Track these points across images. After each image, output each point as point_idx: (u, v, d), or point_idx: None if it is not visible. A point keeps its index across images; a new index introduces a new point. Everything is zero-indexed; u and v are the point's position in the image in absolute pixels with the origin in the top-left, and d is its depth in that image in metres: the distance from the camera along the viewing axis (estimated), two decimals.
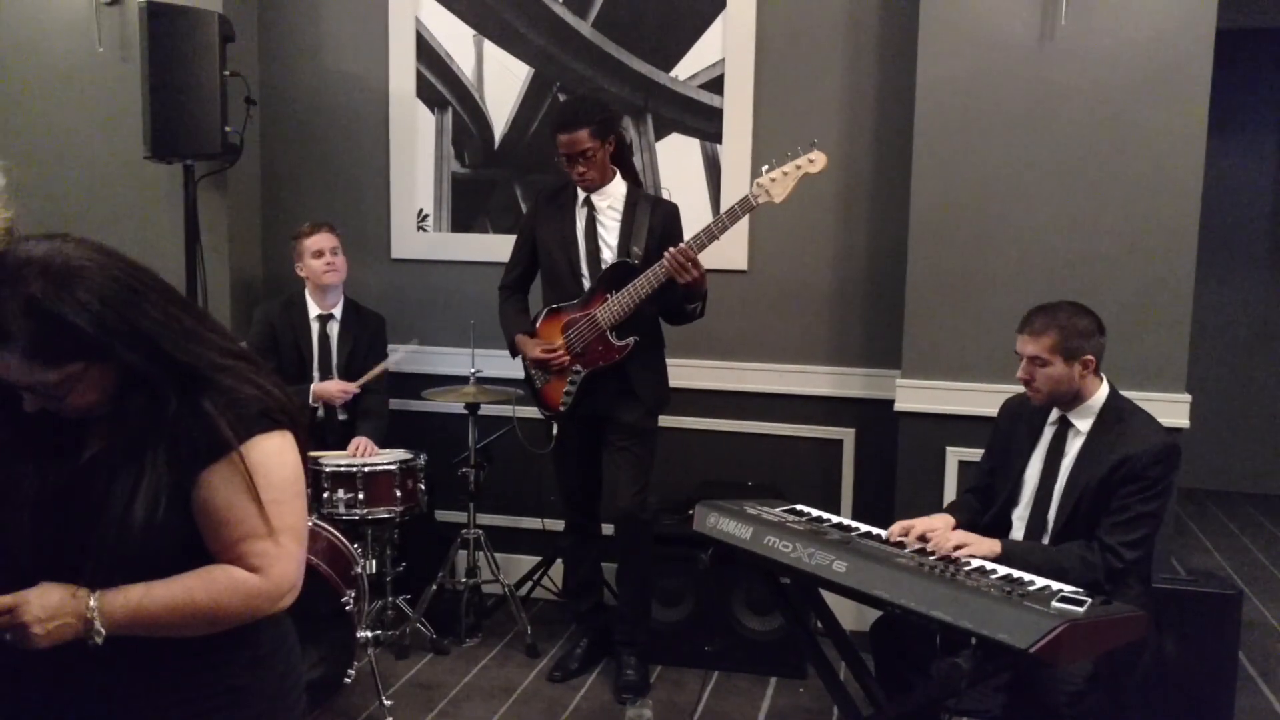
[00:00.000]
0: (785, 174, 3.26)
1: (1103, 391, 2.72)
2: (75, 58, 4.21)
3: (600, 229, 3.46)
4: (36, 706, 1.56)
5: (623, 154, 3.52)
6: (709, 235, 3.25)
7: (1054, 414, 2.77)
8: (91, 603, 1.44)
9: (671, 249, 3.23)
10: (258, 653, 1.62)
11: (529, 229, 3.61)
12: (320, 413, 3.85)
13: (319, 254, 3.85)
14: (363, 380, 3.85)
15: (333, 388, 3.84)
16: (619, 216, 3.45)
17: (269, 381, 1.58)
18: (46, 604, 1.43)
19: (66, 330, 1.41)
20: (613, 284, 3.38)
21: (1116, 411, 2.70)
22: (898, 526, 2.66)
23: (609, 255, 3.44)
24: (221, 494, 1.49)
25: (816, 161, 3.27)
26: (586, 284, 3.45)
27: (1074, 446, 2.72)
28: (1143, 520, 2.59)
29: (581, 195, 3.48)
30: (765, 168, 3.29)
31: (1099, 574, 2.54)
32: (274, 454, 1.54)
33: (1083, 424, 2.71)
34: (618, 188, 3.48)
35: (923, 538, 2.61)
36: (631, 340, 3.39)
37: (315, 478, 3.52)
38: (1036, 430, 2.81)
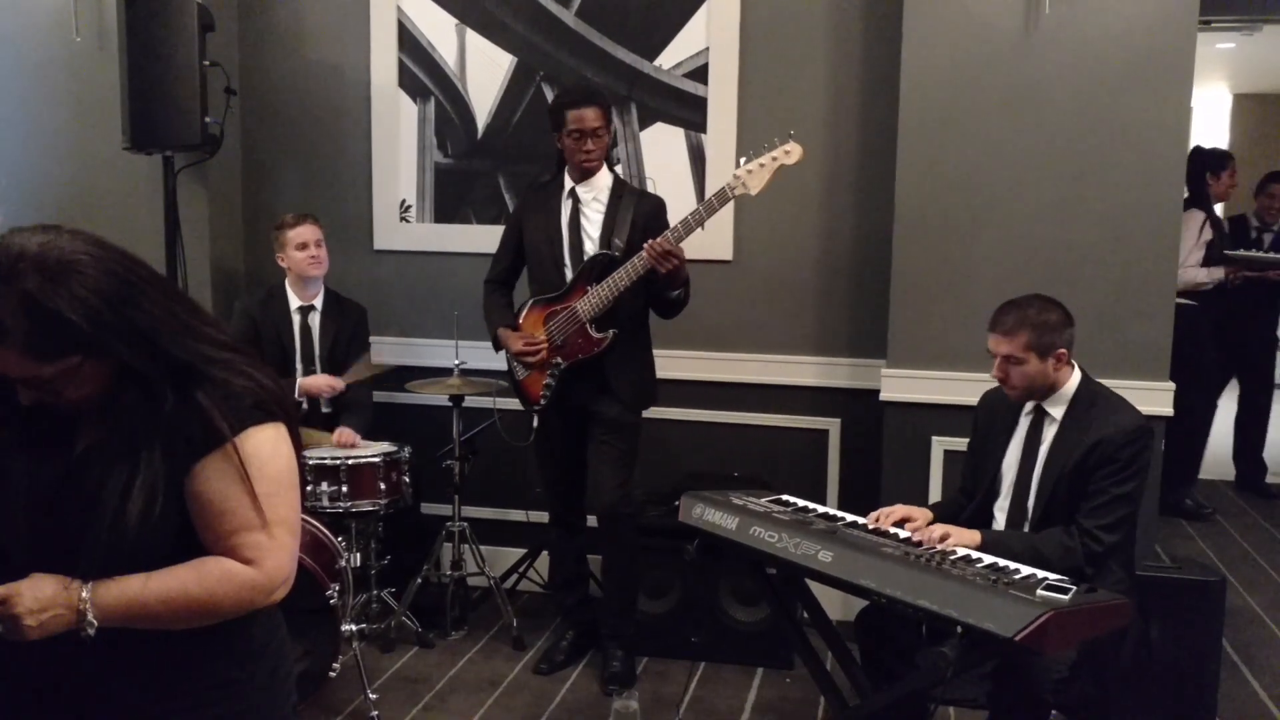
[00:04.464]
0: (762, 165, 3.26)
1: (1075, 378, 2.75)
2: (52, 47, 4.15)
3: (584, 221, 3.45)
4: (28, 699, 1.56)
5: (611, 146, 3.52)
6: (686, 228, 3.25)
7: (1029, 404, 2.79)
8: (84, 594, 1.44)
9: (650, 242, 3.23)
10: (250, 646, 1.62)
11: (516, 221, 3.61)
12: (304, 405, 3.84)
13: (303, 245, 3.82)
14: (349, 378, 3.84)
15: (320, 383, 3.82)
16: (603, 209, 3.44)
17: (262, 374, 1.57)
18: (39, 595, 1.43)
19: (63, 325, 1.40)
20: (593, 276, 3.37)
21: (1090, 396, 2.73)
22: (880, 512, 2.74)
23: (591, 247, 3.43)
24: (215, 485, 1.49)
25: (792, 153, 3.27)
26: (569, 276, 3.44)
27: (1049, 434, 2.74)
28: (1119, 503, 2.60)
29: (567, 186, 3.47)
30: (743, 159, 3.29)
31: (1079, 559, 2.56)
32: (267, 446, 1.53)
33: (1057, 411, 2.74)
34: (603, 179, 3.48)
35: (902, 522, 2.70)
36: (611, 333, 3.38)
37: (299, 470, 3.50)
38: (1012, 421, 2.83)
